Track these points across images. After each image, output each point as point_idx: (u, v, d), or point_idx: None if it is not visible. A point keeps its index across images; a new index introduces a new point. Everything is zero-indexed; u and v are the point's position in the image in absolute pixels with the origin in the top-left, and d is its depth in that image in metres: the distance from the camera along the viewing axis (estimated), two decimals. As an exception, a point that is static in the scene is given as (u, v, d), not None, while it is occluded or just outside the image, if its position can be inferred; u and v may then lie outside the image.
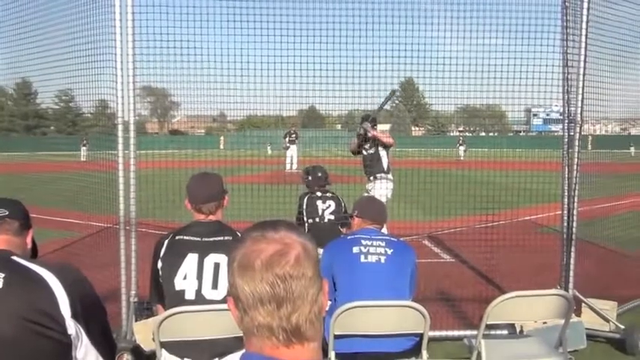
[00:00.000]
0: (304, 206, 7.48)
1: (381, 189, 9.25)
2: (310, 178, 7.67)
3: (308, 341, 1.52)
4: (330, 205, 7.44)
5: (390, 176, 9.86)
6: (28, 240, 2.71)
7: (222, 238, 3.84)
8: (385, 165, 9.84)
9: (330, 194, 7.56)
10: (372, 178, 9.82)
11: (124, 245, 6.20)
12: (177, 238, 3.90)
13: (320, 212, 7.41)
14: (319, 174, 7.65)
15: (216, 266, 3.73)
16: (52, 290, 2.33)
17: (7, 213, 2.60)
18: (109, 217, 6.83)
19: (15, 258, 2.45)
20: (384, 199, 8.40)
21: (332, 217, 7.38)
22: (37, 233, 2.78)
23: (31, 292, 2.31)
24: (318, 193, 7.52)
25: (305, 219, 7.42)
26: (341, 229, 7.25)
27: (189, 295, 3.70)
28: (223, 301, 3.58)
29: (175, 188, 7.15)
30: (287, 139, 28.20)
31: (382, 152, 9.83)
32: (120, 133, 6.10)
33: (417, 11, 7.34)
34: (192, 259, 3.75)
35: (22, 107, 59.35)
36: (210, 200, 3.96)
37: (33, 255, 2.78)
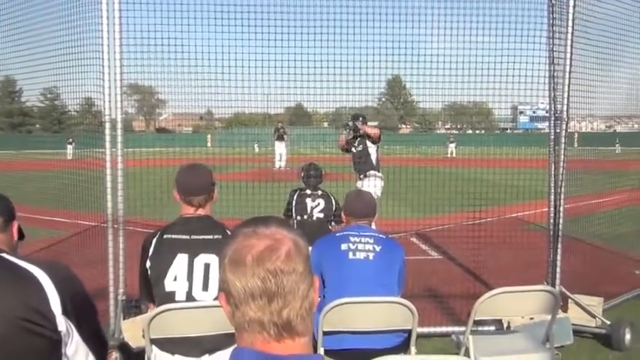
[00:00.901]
0: (293, 203, 7.50)
1: (370, 186, 9.27)
2: (303, 175, 7.72)
3: (299, 336, 1.53)
4: (319, 204, 7.47)
5: (379, 173, 9.90)
6: (14, 231, 2.67)
7: (212, 236, 3.76)
8: (375, 162, 9.87)
9: (321, 192, 7.59)
10: (361, 175, 9.85)
11: (112, 243, 6.18)
12: (165, 237, 3.81)
13: (309, 210, 7.45)
14: (311, 172, 7.68)
15: (207, 267, 3.67)
16: (42, 287, 2.32)
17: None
18: (97, 215, 6.82)
19: (3, 255, 2.43)
20: (373, 197, 8.44)
21: (321, 215, 7.42)
22: (25, 232, 2.75)
23: (21, 290, 2.30)
24: (308, 191, 7.55)
25: (294, 216, 7.45)
26: (330, 228, 7.29)
27: (180, 296, 3.66)
28: (214, 302, 3.56)
29: (163, 186, 7.15)
30: (275, 135, 28.07)
31: (371, 149, 9.87)
32: (107, 131, 6.08)
33: (403, 8, 7.35)
34: (182, 259, 3.69)
35: (7, 105, 58.97)
36: (200, 192, 3.85)
37: (20, 239, 2.75)
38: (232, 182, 8.38)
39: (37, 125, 60.25)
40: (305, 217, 7.44)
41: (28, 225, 2.74)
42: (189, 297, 3.65)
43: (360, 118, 9.98)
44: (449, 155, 38.10)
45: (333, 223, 7.42)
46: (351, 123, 9.94)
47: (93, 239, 7.40)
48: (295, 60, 7.20)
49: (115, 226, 6.20)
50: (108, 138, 6.10)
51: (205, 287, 3.66)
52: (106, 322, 6.07)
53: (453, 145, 40.60)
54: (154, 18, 6.64)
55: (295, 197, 7.53)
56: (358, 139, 9.94)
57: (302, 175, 7.72)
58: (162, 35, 6.79)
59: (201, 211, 3.88)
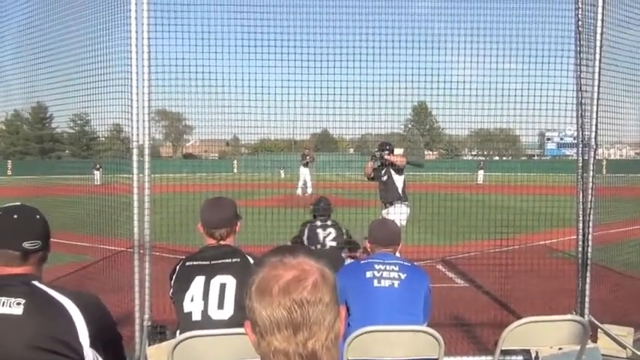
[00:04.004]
0: (305, 235, 7.85)
1: (395, 214, 9.25)
2: (313, 207, 8.11)
3: (324, 367, 1.51)
4: (330, 233, 7.80)
5: (405, 202, 9.87)
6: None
7: (230, 260, 3.89)
8: (400, 190, 9.86)
9: (331, 222, 7.87)
10: (387, 204, 9.84)
11: (138, 269, 6.20)
12: (187, 264, 3.97)
13: (321, 239, 7.73)
14: (321, 204, 8.06)
15: (222, 286, 3.77)
16: (72, 319, 2.34)
17: (40, 245, 2.56)
18: (123, 240, 6.85)
19: (36, 283, 2.46)
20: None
21: (334, 243, 7.62)
22: (51, 257, 2.77)
23: (50, 320, 2.32)
24: (318, 222, 7.83)
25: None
26: (343, 255, 7.43)
27: (196, 316, 3.76)
28: (230, 320, 3.67)
29: (189, 212, 7.17)
30: (303, 161, 28.03)
31: (396, 177, 9.86)
32: (134, 157, 6.13)
33: (430, 35, 7.36)
34: (199, 281, 3.81)
35: (38, 131, 59.85)
36: (222, 225, 4.02)
37: None
38: (258, 208, 8.41)
39: (67, 151, 61.03)
40: (318, 246, 7.58)
41: (55, 250, 2.76)
42: (205, 316, 3.74)
43: (387, 147, 10.01)
44: (478, 182, 37.72)
45: (346, 250, 7.58)
46: (377, 153, 9.98)
47: (119, 265, 7.43)
48: (321, 87, 7.23)
49: (141, 251, 6.22)
50: (135, 164, 6.15)
51: (221, 306, 3.75)
52: (131, 348, 6.07)
53: (482, 172, 40.35)
54: (181, 46, 6.73)
55: (307, 231, 7.77)
56: (384, 168, 9.95)
57: (312, 208, 7.96)
58: (189, 63, 6.89)
59: (222, 243, 4.04)
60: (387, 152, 9.93)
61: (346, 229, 7.85)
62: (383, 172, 9.98)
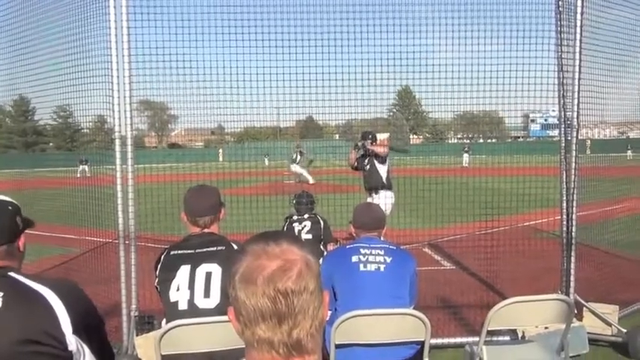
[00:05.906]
0: (284, 230, 7.75)
1: (379, 201, 9.27)
2: (295, 202, 8.10)
3: (309, 354, 1.52)
4: (305, 226, 7.83)
5: (390, 192, 9.90)
6: (21, 244, 2.64)
7: (214, 248, 3.87)
8: (384, 179, 9.88)
9: (308, 216, 7.88)
10: (372, 192, 9.86)
11: (124, 259, 6.19)
12: (171, 253, 3.95)
13: (296, 234, 7.68)
14: (303, 199, 8.05)
15: (208, 275, 3.75)
16: (52, 308, 2.32)
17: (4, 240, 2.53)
18: (109, 232, 6.83)
19: (12, 274, 2.43)
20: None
21: (309, 236, 7.70)
22: (37, 250, 2.75)
23: (30, 311, 2.30)
24: (295, 217, 7.91)
25: None
26: (321, 247, 7.46)
27: (182, 305, 3.74)
28: (216, 309, 3.65)
29: (174, 201, 7.16)
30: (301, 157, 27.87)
31: (379, 165, 9.88)
32: (117, 148, 6.10)
33: (411, 19, 7.36)
34: (184, 270, 3.79)
35: (20, 124, 59.39)
36: (206, 213, 4.00)
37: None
38: (243, 197, 8.40)
39: (51, 144, 60.58)
40: None
41: (41, 242, 2.74)
42: (191, 305, 3.72)
43: (370, 136, 10.03)
44: (464, 164, 37.86)
45: (323, 243, 7.64)
46: (360, 143, 10.01)
47: (105, 256, 7.41)
48: (304, 73, 7.23)
49: (127, 242, 6.21)
50: (118, 155, 6.12)
51: (207, 294, 3.73)
52: (119, 339, 6.07)
53: (467, 155, 40.51)
54: (162, 35, 6.69)
55: (286, 225, 7.87)
56: (367, 157, 9.98)
57: (293, 202, 7.96)
58: (171, 52, 6.85)
59: (206, 231, 4.02)
60: (369, 141, 9.96)
61: (325, 221, 7.88)
62: (366, 161, 10.01)
